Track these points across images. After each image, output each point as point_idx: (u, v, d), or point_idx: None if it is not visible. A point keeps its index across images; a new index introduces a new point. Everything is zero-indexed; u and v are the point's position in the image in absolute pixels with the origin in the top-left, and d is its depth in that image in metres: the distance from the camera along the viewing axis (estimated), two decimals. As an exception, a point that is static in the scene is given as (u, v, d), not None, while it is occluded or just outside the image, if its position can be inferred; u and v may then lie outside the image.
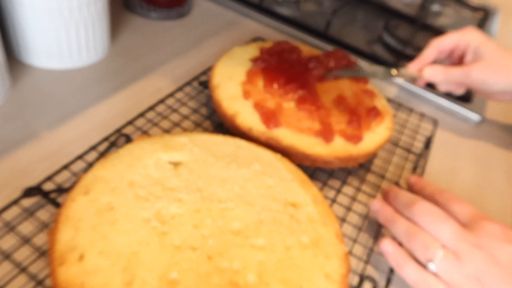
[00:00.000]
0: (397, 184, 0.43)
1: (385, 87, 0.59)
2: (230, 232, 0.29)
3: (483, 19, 0.88)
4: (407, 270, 0.32)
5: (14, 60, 0.48)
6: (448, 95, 0.59)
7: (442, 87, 0.52)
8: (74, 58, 0.48)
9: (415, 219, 0.33)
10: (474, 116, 0.57)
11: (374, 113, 0.43)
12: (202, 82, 0.50)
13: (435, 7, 0.86)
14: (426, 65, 0.51)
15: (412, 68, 0.51)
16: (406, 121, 0.53)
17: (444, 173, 0.48)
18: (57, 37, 0.46)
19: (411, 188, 0.40)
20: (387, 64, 0.62)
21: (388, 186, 0.39)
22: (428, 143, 0.49)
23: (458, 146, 0.53)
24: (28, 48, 0.46)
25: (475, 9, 0.92)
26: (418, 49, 0.66)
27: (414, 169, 0.46)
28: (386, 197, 0.38)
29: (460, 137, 0.54)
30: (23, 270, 0.29)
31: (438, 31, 0.76)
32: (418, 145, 0.50)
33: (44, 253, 0.31)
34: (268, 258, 0.28)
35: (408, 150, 0.48)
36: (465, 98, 0.60)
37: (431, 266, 0.31)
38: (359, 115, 0.42)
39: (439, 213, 0.33)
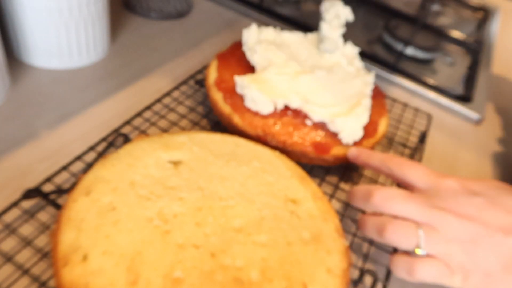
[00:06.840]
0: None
1: (385, 86, 0.60)
2: (232, 229, 0.29)
3: (483, 19, 0.88)
4: (420, 270, 0.30)
5: (14, 60, 0.48)
6: (448, 95, 0.59)
7: None
8: (74, 58, 0.48)
9: (379, 209, 0.32)
10: (474, 116, 0.57)
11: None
12: (198, 80, 0.50)
13: (435, 7, 0.86)
14: None
15: None
16: (401, 116, 0.53)
17: (444, 172, 0.48)
18: (57, 37, 0.46)
19: (355, 161, 0.39)
20: (386, 64, 0.62)
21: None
22: (422, 138, 0.50)
23: (458, 145, 0.53)
24: (28, 48, 0.46)
25: (475, 9, 0.93)
26: (419, 49, 0.66)
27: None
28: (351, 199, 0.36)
29: (459, 136, 0.55)
30: (25, 272, 0.29)
31: (438, 31, 0.77)
32: (413, 139, 0.50)
33: (46, 254, 0.31)
34: (270, 255, 0.28)
35: (404, 145, 0.49)
36: (465, 98, 0.60)
37: (420, 252, 0.30)
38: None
39: (397, 192, 0.32)
